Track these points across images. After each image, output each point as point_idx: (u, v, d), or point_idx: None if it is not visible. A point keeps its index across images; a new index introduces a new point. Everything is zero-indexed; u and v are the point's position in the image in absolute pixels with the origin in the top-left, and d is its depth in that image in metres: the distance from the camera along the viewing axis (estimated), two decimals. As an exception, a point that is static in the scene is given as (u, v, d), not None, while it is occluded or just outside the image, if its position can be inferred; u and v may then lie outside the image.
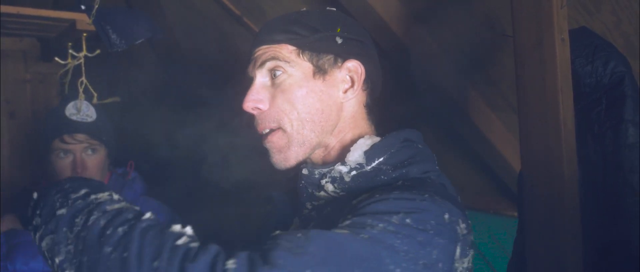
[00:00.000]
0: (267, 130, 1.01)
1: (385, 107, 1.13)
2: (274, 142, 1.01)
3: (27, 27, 1.94)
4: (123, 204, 0.87)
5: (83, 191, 0.88)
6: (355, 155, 0.97)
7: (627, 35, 1.70)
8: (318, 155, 1.05)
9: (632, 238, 1.25)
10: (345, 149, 1.01)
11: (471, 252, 0.89)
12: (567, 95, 1.31)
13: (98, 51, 1.82)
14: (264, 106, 1.00)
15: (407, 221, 0.80)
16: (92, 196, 0.86)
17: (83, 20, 1.79)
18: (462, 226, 0.87)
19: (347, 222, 0.81)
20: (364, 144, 0.98)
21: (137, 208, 0.86)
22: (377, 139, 1.00)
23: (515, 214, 2.36)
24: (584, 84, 1.37)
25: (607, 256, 1.29)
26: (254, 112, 1.02)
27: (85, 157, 1.62)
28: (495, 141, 2.26)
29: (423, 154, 1.00)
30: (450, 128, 2.37)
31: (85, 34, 1.81)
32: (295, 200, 1.05)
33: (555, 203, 1.29)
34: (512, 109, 2.16)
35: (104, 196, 0.87)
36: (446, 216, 0.84)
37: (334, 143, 1.03)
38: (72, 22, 1.81)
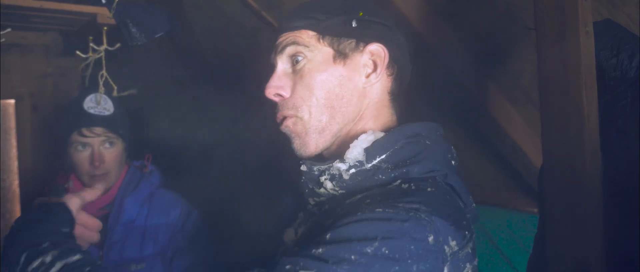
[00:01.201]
0: (285, 117, 0.99)
1: (408, 98, 1.08)
2: (290, 127, 0.98)
3: (50, 21, 1.97)
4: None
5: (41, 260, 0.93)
6: (355, 152, 0.93)
7: (651, 28, 1.66)
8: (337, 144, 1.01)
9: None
10: (352, 140, 0.96)
11: (469, 265, 0.84)
12: (591, 89, 1.28)
13: (118, 45, 1.84)
14: (286, 93, 0.98)
15: (383, 250, 0.77)
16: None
17: (104, 14, 1.81)
18: (453, 243, 0.82)
19: (321, 250, 0.78)
20: (366, 140, 0.94)
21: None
22: (380, 134, 0.95)
23: (535, 210, 2.33)
24: (609, 78, 1.35)
25: (629, 252, 1.26)
26: (276, 99, 0.99)
27: (103, 150, 1.63)
28: (516, 136, 2.23)
29: (430, 151, 0.94)
30: (470, 123, 2.34)
31: (105, 28, 1.83)
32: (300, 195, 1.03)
33: (577, 198, 1.27)
34: (533, 104, 2.13)
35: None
36: (430, 238, 0.79)
37: (355, 132, 0.99)
38: (93, 16, 1.83)
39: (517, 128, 2.23)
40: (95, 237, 1.12)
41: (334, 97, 0.96)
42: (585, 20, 1.31)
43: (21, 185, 2.27)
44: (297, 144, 0.98)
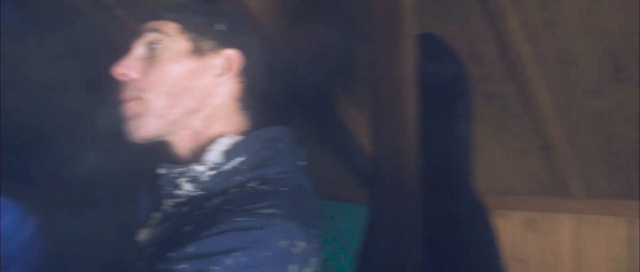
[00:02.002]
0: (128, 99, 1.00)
1: (265, 104, 1.13)
2: (130, 107, 0.99)
3: None
4: None
5: None
6: (214, 155, 0.96)
7: (470, 41, 1.91)
8: (185, 142, 1.03)
9: (461, 218, 1.42)
10: (210, 143, 1.00)
11: (314, 259, 0.92)
12: (413, 93, 1.45)
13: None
14: (134, 74, 1.00)
15: (243, 260, 0.81)
16: None
17: None
18: (303, 243, 0.89)
19: (183, 265, 0.81)
20: (225, 143, 0.98)
21: None
22: (238, 138, 0.99)
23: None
24: (429, 84, 1.53)
25: (443, 238, 1.44)
26: (123, 78, 1.00)
27: None
28: (360, 136, 2.41)
29: (282, 155, 1.01)
30: (320, 124, 2.48)
31: None
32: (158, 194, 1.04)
33: (398, 190, 1.42)
34: (376, 107, 2.32)
35: None
36: (281, 243, 0.85)
37: (202, 133, 1.02)
38: None
39: (361, 128, 2.41)
40: None
41: (180, 87, 0.99)
42: (411, 33, 1.48)
43: None
44: (133, 125, 0.99)
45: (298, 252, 0.87)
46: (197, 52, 1.01)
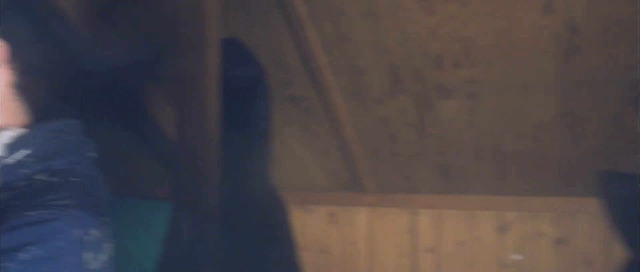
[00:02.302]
0: None
1: (52, 97, 1.12)
2: None
3: None
4: None
5: None
6: None
7: (275, 49, 2.08)
8: None
9: (258, 209, 1.57)
10: None
11: (107, 245, 0.94)
12: (215, 93, 1.56)
13: None
14: None
15: (39, 252, 0.82)
16: None
17: None
18: (95, 231, 0.91)
19: None
20: (7, 136, 0.96)
21: None
22: (21, 130, 0.97)
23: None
24: (231, 85, 1.65)
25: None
26: None
27: None
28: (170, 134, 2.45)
29: (70, 146, 1.01)
30: (130, 121, 2.46)
31: None
32: None
33: (200, 183, 1.52)
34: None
35: None
36: (75, 232, 0.87)
37: None
38: None
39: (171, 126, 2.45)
40: None
41: None
42: (215, 36, 1.59)
43: None
44: None
45: (92, 240, 0.90)
46: None
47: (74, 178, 0.96)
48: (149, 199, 2.71)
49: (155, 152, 2.56)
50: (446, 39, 1.90)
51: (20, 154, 0.95)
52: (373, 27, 1.94)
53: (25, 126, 1.01)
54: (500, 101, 2.11)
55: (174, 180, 1.62)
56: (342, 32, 1.99)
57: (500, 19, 1.80)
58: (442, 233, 2.78)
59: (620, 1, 1.66)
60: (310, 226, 3.03)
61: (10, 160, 0.94)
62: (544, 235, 2.61)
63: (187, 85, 1.56)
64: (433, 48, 1.94)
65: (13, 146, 0.95)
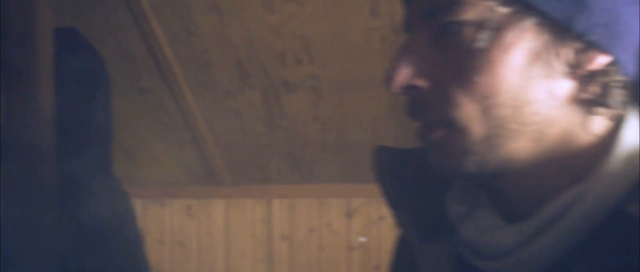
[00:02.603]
0: None
1: None
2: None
3: None
4: None
5: None
6: None
7: (119, 40, 2.06)
8: None
9: (98, 204, 1.56)
10: None
11: None
12: (49, 85, 1.53)
13: None
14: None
15: None
16: None
17: None
18: None
19: None
20: None
21: None
22: None
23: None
24: (66, 76, 1.62)
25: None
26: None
27: None
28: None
29: None
30: None
31: None
32: None
33: (33, 179, 1.48)
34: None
35: None
36: None
37: None
38: None
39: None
40: None
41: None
42: (47, 26, 1.55)
43: None
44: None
45: None
46: None
47: None
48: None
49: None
50: (288, 36, 2.02)
51: None
52: (218, 22, 2.00)
53: None
54: (340, 96, 2.28)
55: (3, 172, 1.56)
56: (187, 26, 2.03)
57: (334, 20, 1.95)
58: (295, 221, 2.92)
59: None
60: (166, 220, 3.02)
61: None
62: (386, 218, 2.85)
63: (18, 79, 1.51)
64: (276, 45, 2.06)
65: None
